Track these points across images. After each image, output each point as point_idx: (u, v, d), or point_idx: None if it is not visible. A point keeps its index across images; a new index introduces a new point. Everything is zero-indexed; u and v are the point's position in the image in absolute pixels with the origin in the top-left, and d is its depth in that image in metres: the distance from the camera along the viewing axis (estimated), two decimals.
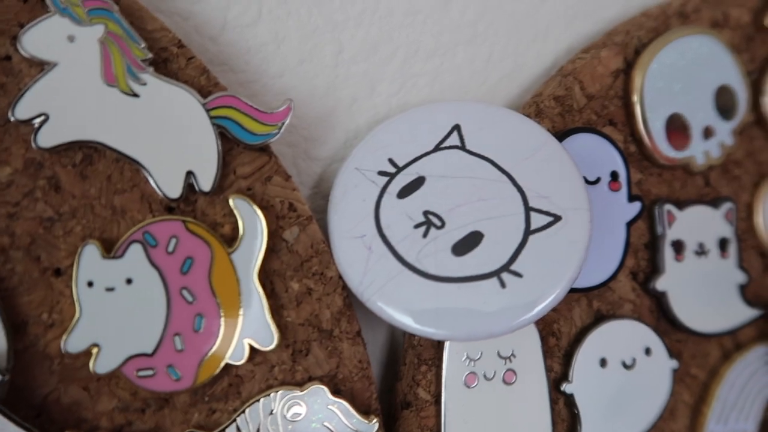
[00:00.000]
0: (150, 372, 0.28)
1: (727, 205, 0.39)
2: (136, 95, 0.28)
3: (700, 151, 0.38)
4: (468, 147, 0.33)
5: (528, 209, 0.31)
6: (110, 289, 0.28)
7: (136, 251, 0.28)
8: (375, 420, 0.31)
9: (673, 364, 0.37)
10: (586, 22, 0.41)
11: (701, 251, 0.38)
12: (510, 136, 0.33)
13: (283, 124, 0.30)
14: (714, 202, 0.39)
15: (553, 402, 0.35)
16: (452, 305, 0.30)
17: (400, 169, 0.33)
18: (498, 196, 0.32)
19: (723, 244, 0.39)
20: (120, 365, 0.28)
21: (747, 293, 0.39)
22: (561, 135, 0.35)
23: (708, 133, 0.39)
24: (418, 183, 0.32)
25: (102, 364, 0.28)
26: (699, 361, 0.39)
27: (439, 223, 0.31)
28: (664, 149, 0.38)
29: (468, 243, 0.31)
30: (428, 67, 0.37)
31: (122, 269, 0.28)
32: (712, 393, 0.39)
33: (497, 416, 0.34)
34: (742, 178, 0.40)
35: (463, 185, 0.32)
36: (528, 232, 0.31)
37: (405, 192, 0.32)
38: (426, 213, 0.31)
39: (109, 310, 0.28)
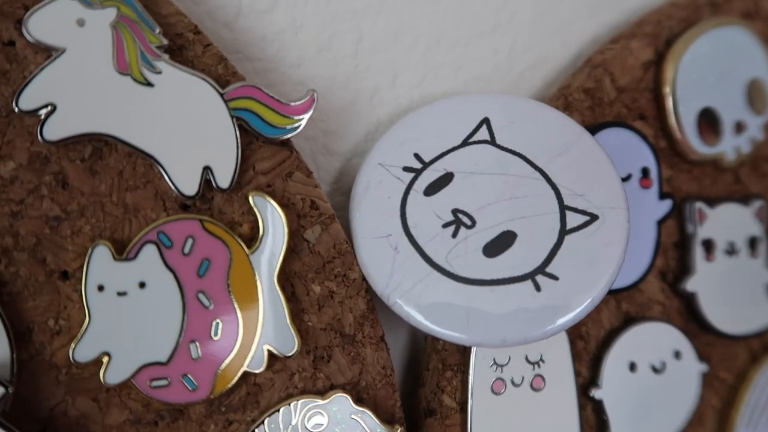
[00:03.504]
0: (164, 382, 0.26)
1: (757, 203, 0.38)
2: (150, 84, 0.26)
3: (731, 147, 0.37)
4: (498, 141, 0.31)
5: (563, 208, 0.30)
6: (122, 294, 0.26)
7: (150, 252, 0.26)
8: (399, 429, 0.30)
9: (703, 367, 0.36)
10: (612, 11, 0.39)
11: (732, 251, 0.37)
12: (542, 131, 0.32)
13: (305, 117, 0.28)
14: (744, 200, 0.38)
15: (581, 408, 0.33)
16: (485, 309, 0.28)
17: (426, 165, 0.31)
18: (531, 194, 0.30)
19: (753, 243, 0.37)
20: (132, 375, 0.26)
21: None
22: (591, 129, 0.34)
23: (739, 127, 0.37)
24: (446, 179, 0.31)
25: (113, 374, 0.26)
26: (727, 364, 0.38)
27: (469, 222, 0.29)
28: (696, 144, 0.36)
29: (500, 243, 0.29)
30: (450, 58, 0.35)
31: (135, 272, 0.26)
32: (740, 397, 0.38)
33: (524, 424, 0.32)
34: None
35: (494, 182, 0.30)
36: (563, 231, 0.29)
37: (432, 189, 0.30)
38: (455, 211, 0.30)
39: (121, 316, 0.26)
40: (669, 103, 0.36)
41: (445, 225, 0.30)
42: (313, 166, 0.33)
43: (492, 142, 0.31)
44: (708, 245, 0.36)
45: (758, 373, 0.38)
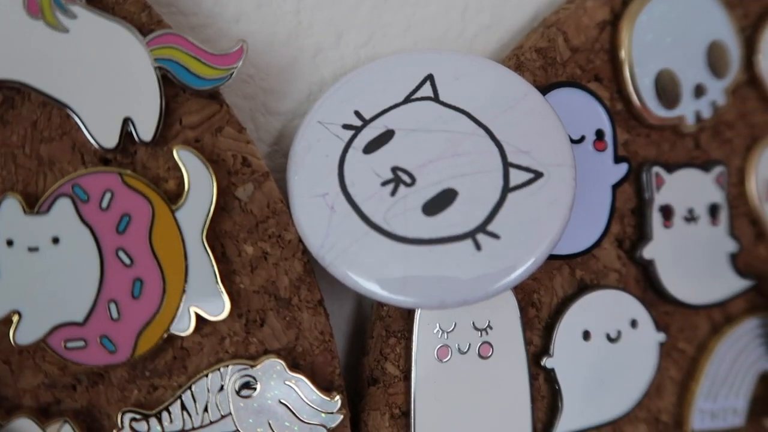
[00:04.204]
0: (80, 343, 0.25)
1: (718, 169, 0.36)
2: (64, 29, 0.25)
3: (690, 111, 0.36)
4: (442, 98, 0.30)
5: (507, 165, 0.28)
6: (33, 249, 0.25)
7: (64, 206, 0.25)
8: (338, 397, 0.29)
9: (661, 337, 0.35)
10: None
11: (691, 217, 0.36)
12: (488, 87, 0.30)
13: (234, 67, 0.27)
14: (704, 166, 0.36)
15: (532, 377, 0.32)
16: (422, 269, 0.27)
17: (366, 122, 0.30)
18: (474, 151, 0.29)
19: (713, 210, 0.36)
20: (45, 335, 0.25)
21: (738, 263, 0.37)
22: (543, 89, 0.33)
23: (699, 91, 0.36)
24: (386, 137, 0.29)
25: (24, 334, 0.24)
26: (687, 335, 0.37)
27: (408, 180, 0.28)
28: (654, 108, 0.35)
29: (440, 201, 0.28)
30: (399, 17, 0.34)
31: (48, 226, 0.25)
32: (700, 368, 0.37)
33: (472, 393, 0.31)
34: (734, 141, 0.38)
35: (435, 139, 0.29)
36: (506, 189, 0.28)
37: (372, 147, 0.29)
38: (395, 169, 0.29)
39: (32, 273, 0.25)
40: (625, 64, 0.34)
41: (384, 183, 0.28)
42: (252, 126, 0.32)
43: (435, 98, 0.30)
44: (666, 211, 0.35)
45: (719, 344, 0.37)
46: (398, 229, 0.28)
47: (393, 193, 0.28)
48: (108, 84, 0.25)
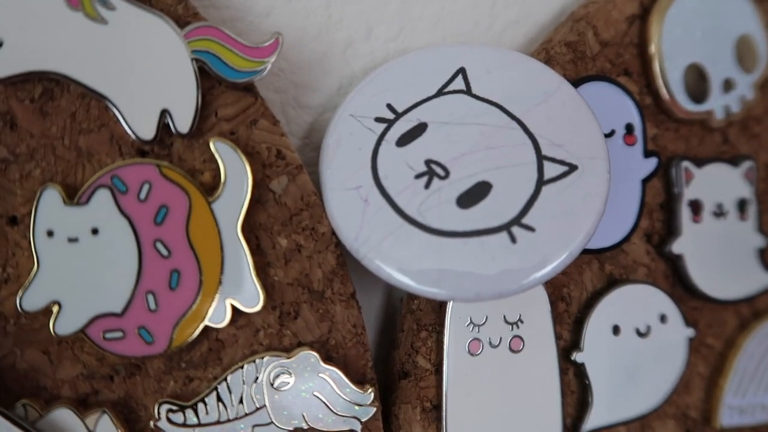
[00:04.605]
0: (119, 334, 0.25)
1: (747, 164, 0.36)
2: (103, 21, 0.25)
3: (719, 105, 0.36)
4: (474, 91, 0.30)
5: (540, 158, 0.28)
6: (73, 240, 0.25)
7: (103, 197, 0.25)
8: (370, 390, 0.29)
9: (690, 332, 0.34)
10: None
11: (719, 212, 0.36)
12: (520, 80, 0.30)
13: (269, 60, 0.27)
14: (733, 161, 0.36)
15: (562, 372, 0.32)
16: (457, 262, 0.27)
17: (399, 115, 0.30)
18: (507, 144, 0.29)
19: (742, 205, 0.36)
20: (84, 326, 0.25)
21: (766, 258, 0.37)
22: (573, 83, 0.32)
23: (728, 86, 0.36)
24: (419, 130, 0.29)
25: (63, 325, 0.25)
26: (715, 330, 0.37)
27: (442, 173, 0.28)
28: (683, 102, 0.35)
29: (474, 194, 0.28)
30: (428, 11, 0.34)
31: (87, 217, 0.25)
32: (729, 364, 0.36)
33: (502, 386, 0.31)
34: (762, 135, 0.38)
35: (469, 132, 0.29)
36: (540, 182, 0.28)
37: (405, 140, 0.29)
38: (428, 162, 0.28)
39: (72, 264, 0.25)
40: (655, 62, 0.34)
41: (418, 176, 0.28)
42: (283, 120, 0.32)
43: (468, 91, 0.30)
44: (695, 206, 0.35)
45: (747, 339, 0.37)
46: (433, 221, 0.27)
47: (427, 185, 0.28)
48: (146, 76, 0.26)
